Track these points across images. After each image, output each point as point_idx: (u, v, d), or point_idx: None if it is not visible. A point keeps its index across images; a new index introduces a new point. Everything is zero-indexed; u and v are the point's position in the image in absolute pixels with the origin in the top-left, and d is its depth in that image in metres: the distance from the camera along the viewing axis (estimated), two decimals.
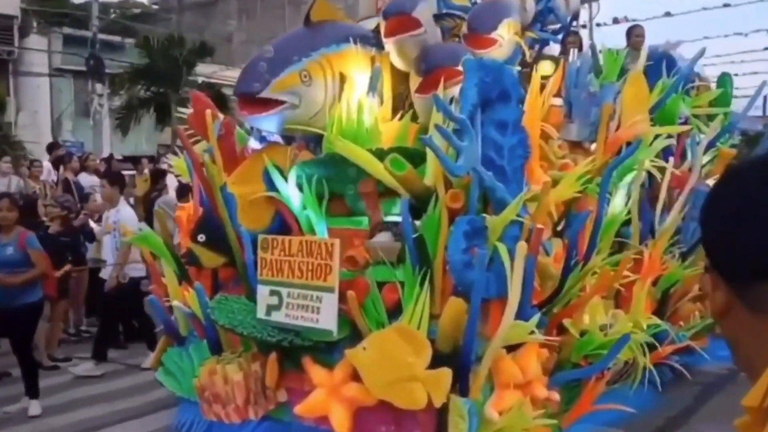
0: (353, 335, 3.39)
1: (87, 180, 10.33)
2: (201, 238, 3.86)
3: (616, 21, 17.09)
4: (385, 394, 3.16)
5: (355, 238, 3.52)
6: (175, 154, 5.55)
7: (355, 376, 3.29)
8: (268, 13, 25.97)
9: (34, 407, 5.54)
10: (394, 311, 3.34)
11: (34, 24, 21.36)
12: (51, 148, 12.86)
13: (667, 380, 4.98)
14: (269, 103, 3.65)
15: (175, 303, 4.15)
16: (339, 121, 3.63)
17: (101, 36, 21.35)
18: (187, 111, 4.55)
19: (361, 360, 3.22)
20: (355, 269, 3.42)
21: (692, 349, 4.93)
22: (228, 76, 21.78)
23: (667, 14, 19.29)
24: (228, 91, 19.14)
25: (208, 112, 3.91)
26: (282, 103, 3.64)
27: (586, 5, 6.12)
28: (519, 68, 4.12)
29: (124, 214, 6.81)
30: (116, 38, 22.40)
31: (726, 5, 19.78)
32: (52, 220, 7.34)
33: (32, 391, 5.62)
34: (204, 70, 20.24)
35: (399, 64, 4.04)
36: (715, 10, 19.76)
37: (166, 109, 18.93)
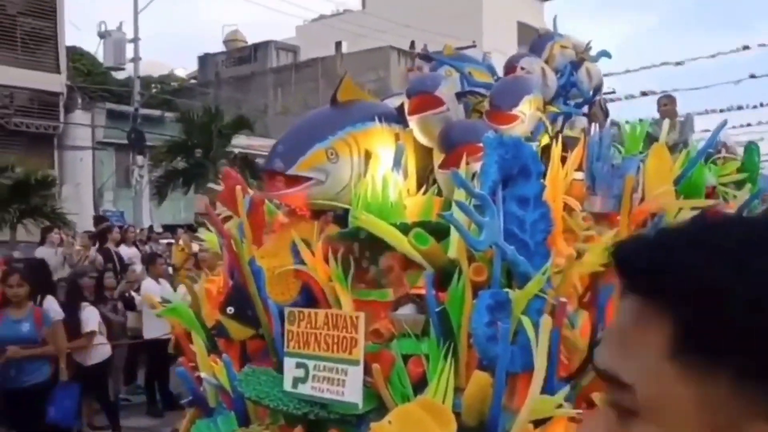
0: (379, 408, 3.41)
1: (126, 252, 10.64)
2: (230, 310, 3.95)
3: (644, 94, 17.31)
4: None
5: (381, 311, 3.57)
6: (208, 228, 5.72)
7: None
8: (303, 85, 26.85)
9: None
10: (419, 384, 3.36)
11: (79, 100, 22.38)
12: (98, 221, 13.37)
13: None
14: (297, 180, 3.79)
15: (203, 375, 4.21)
16: (364, 196, 3.74)
17: (142, 111, 22.24)
18: (219, 186, 4.73)
19: None
20: (381, 342, 3.46)
21: None
22: (263, 146, 22.45)
23: (694, 88, 19.49)
24: (261, 161, 19.70)
25: (238, 188, 4.06)
26: (309, 179, 3.78)
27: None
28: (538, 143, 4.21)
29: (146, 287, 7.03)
30: (156, 112, 23.31)
31: (752, 76, 19.99)
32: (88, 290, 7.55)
33: None
34: (240, 142, 20.87)
35: (423, 140, 4.17)
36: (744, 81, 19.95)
37: (203, 178, 19.52)
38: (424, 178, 4.19)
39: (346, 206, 3.79)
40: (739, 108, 20.26)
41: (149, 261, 8.19)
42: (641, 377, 0.54)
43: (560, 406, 3.20)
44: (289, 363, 3.69)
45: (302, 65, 28.00)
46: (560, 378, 3.41)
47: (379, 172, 3.84)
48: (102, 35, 22.00)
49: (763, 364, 0.50)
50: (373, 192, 3.74)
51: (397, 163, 3.89)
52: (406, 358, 3.42)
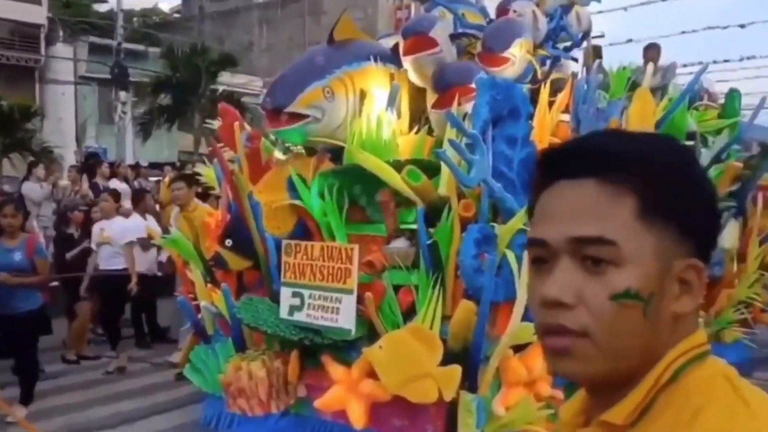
0: (370, 335, 3.64)
1: (117, 186, 10.67)
2: (228, 242, 4.12)
3: (630, 41, 17.30)
4: (400, 390, 3.39)
5: (373, 244, 3.76)
6: (203, 162, 5.83)
7: (372, 374, 3.52)
8: (289, 22, 26.37)
9: (20, 412, 5.50)
10: (409, 313, 3.58)
11: (60, 33, 21.88)
12: (87, 158, 13.33)
13: None
14: (294, 117, 3.91)
15: (203, 303, 4.41)
16: (359, 134, 3.88)
17: (126, 45, 21.80)
18: (215, 122, 4.83)
19: (377, 358, 3.45)
20: (373, 273, 3.66)
21: None
22: (248, 84, 22.21)
23: (683, 32, 19.44)
24: (247, 100, 19.54)
25: (236, 124, 4.18)
26: (306, 117, 3.90)
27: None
28: (529, 85, 4.33)
29: (117, 226, 7.04)
30: (140, 47, 22.86)
31: (741, 26, 19.94)
32: (76, 223, 7.63)
33: (25, 399, 5.65)
34: (224, 79, 20.63)
35: (416, 81, 4.29)
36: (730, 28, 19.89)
37: (187, 116, 19.36)
38: (417, 118, 4.33)
39: (342, 143, 3.93)
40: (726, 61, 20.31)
41: (137, 197, 8.26)
42: (622, 234, 0.74)
43: None
44: (285, 292, 3.89)
45: (288, 1, 27.44)
46: None
47: (373, 111, 3.97)
48: None
49: (689, 222, 0.76)
50: (368, 130, 3.88)
51: (391, 102, 4.01)
52: (396, 288, 3.63)
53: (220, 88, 20.04)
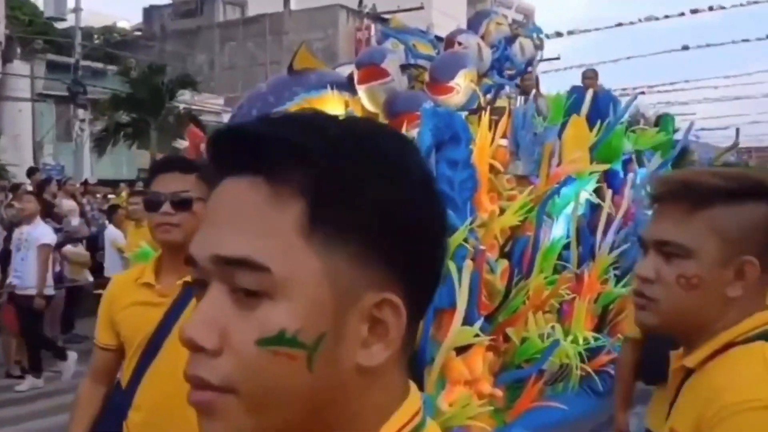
0: None
1: (64, 203, 10.79)
2: None
3: (581, 65, 18.20)
4: None
5: None
6: None
7: None
8: (250, 41, 26.69)
9: None
10: None
11: (18, 50, 21.79)
12: (30, 172, 13.34)
13: (608, 388, 5.59)
14: None
15: None
16: None
17: (84, 62, 21.81)
18: (183, 142, 5.14)
19: None
20: None
21: None
22: (209, 103, 22.40)
23: (629, 58, 20.49)
24: (208, 118, 19.73)
25: (203, 145, 4.50)
26: None
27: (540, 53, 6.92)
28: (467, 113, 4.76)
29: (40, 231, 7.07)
30: (98, 65, 22.89)
31: (685, 47, 21.09)
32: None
33: None
34: (185, 98, 20.79)
35: (370, 107, 4.69)
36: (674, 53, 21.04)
37: (146, 134, 19.44)
38: None
39: None
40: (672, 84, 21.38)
41: (110, 211, 8.83)
42: (276, 256, 0.53)
43: (477, 335, 3.84)
44: None
45: (250, 21, 27.75)
46: (481, 314, 4.05)
47: None
48: None
49: (376, 240, 0.54)
50: None
51: None
52: None
53: (180, 107, 20.20)
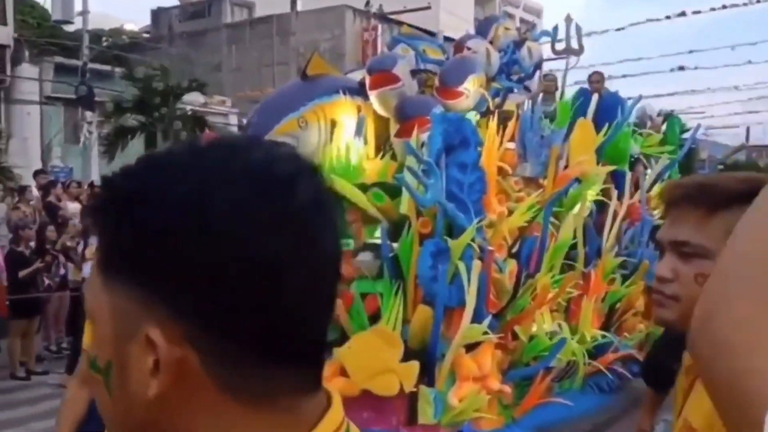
0: (341, 337, 4.11)
1: (70, 207, 10.88)
2: None
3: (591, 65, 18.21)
4: (366, 384, 3.87)
5: (343, 257, 4.25)
6: None
7: (342, 372, 3.99)
8: (257, 43, 26.79)
9: None
10: (374, 317, 4.07)
11: (27, 53, 21.96)
12: (36, 174, 13.47)
13: (614, 385, 5.68)
14: None
15: None
16: (330, 160, 4.38)
17: (92, 65, 21.94)
18: None
19: (346, 357, 3.93)
20: (343, 283, 4.15)
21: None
22: (216, 104, 22.54)
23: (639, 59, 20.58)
24: (215, 119, 19.86)
25: None
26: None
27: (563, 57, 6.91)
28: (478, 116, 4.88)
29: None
30: (106, 67, 23.02)
31: (692, 51, 21.19)
32: (27, 241, 7.94)
33: None
34: (193, 99, 20.90)
35: (381, 111, 4.81)
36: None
37: (153, 137, 19.57)
38: (382, 145, 4.85)
39: None
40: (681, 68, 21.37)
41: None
42: (89, 287, 0.58)
43: (486, 333, 3.96)
44: None
45: (257, 22, 27.84)
46: (489, 312, 4.17)
47: (343, 138, 4.48)
48: None
49: (150, 279, 0.53)
50: (338, 156, 4.39)
51: (358, 131, 4.53)
52: (363, 295, 4.12)
53: (188, 108, 20.31)
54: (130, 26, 29.88)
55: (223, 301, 0.52)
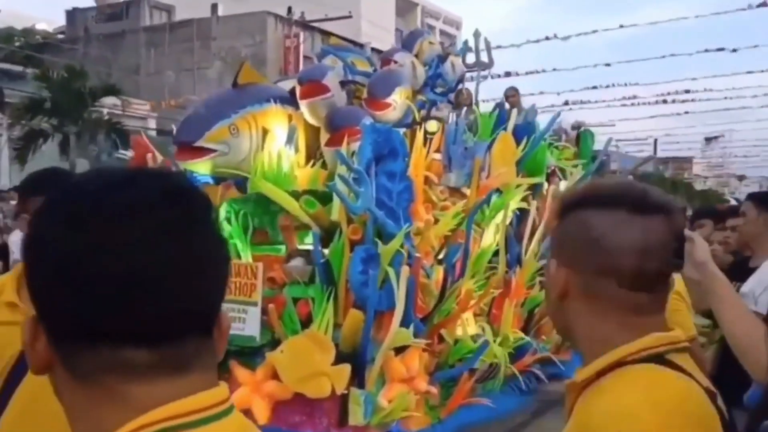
0: (273, 341, 4.17)
1: None
2: None
3: (507, 74, 18.74)
4: (299, 387, 3.95)
5: (275, 263, 4.32)
6: None
7: (274, 376, 4.06)
8: (177, 46, 26.25)
9: None
10: (306, 321, 4.16)
11: None
12: None
13: (534, 386, 5.95)
14: (203, 151, 4.43)
15: None
16: (262, 167, 4.45)
17: (2, 65, 20.98)
18: (128, 153, 5.22)
19: (279, 361, 4.00)
20: (275, 287, 4.23)
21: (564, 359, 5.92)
22: (133, 108, 21.92)
23: (554, 69, 21.43)
24: (133, 123, 19.31)
25: (149, 156, 4.62)
26: (214, 151, 4.43)
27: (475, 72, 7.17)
28: (405, 129, 5.06)
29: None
30: (17, 67, 22.04)
31: (607, 64, 22.20)
32: None
33: None
34: (109, 101, 20.24)
35: (312, 121, 4.91)
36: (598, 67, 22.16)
37: (67, 141, 18.83)
38: (313, 153, 4.95)
39: (247, 174, 4.48)
40: (594, 87, 22.39)
41: (16, 215, 8.48)
42: None
43: (415, 337, 4.12)
44: None
45: (177, 26, 27.27)
46: (416, 316, 4.34)
47: (274, 146, 4.56)
48: None
49: (53, 326, 0.62)
50: (270, 163, 4.46)
51: (289, 139, 4.62)
52: (295, 300, 4.20)
53: (104, 111, 19.67)
54: (42, 26, 28.69)
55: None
